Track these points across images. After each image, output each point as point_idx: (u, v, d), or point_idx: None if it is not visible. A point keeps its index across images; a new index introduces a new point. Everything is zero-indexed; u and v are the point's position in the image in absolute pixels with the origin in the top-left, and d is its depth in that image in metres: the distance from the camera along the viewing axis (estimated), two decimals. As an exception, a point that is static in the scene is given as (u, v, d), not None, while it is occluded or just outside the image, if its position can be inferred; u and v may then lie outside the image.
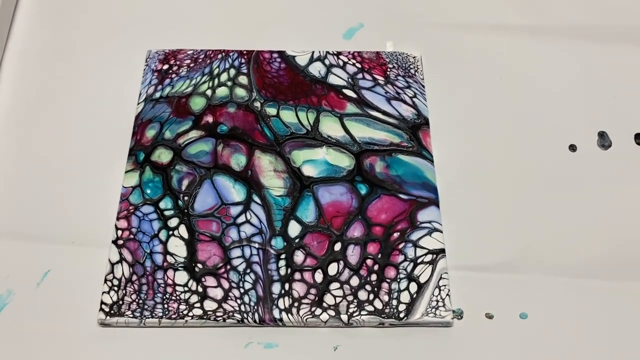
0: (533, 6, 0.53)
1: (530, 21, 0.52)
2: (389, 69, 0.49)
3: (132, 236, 0.41)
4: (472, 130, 0.47)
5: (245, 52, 0.50)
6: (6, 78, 0.49)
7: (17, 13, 0.52)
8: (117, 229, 0.41)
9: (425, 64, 0.50)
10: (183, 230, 0.41)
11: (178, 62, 0.49)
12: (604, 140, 0.47)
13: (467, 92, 0.49)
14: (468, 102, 0.48)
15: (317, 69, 0.49)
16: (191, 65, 0.49)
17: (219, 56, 0.50)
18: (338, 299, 0.39)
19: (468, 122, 0.47)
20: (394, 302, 0.39)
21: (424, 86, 0.48)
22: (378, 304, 0.39)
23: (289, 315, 0.38)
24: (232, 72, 0.49)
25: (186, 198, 0.43)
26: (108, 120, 0.47)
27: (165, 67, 0.49)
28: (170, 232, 0.41)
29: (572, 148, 0.46)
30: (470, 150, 0.46)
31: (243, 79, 0.48)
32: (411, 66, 0.49)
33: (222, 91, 0.48)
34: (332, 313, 0.38)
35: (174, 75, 0.48)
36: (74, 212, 0.43)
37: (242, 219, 0.42)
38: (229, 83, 0.48)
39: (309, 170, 0.44)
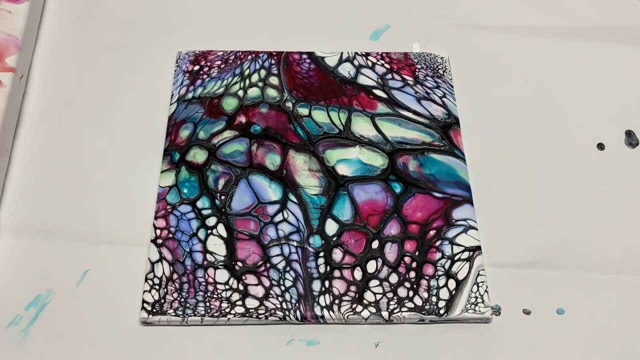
0: (560, 8, 0.54)
1: (557, 22, 0.53)
2: (417, 70, 0.50)
3: (170, 235, 0.41)
4: (502, 129, 0.48)
5: (274, 53, 0.50)
6: (37, 80, 0.49)
7: (45, 14, 0.53)
8: (155, 228, 0.41)
9: (453, 64, 0.50)
10: (222, 229, 0.42)
11: (209, 63, 0.49)
12: (631, 139, 0.47)
13: (495, 92, 0.49)
14: (496, 102, 0.49)
15: (346, 70, 0.49)
16: (222, 66, 0.49)
17: (249, 57, 0.50)
18: (378, 296, 0.39)
19: (497, 122, 0.48)
20: (434, 299, 0.39)
21: (452, 86, 0.49)
22: (418, 301, 0.39)
23: (330, 312, 0.39)
24: (263, 73, 0.49)
25: (223, 197, 0.43)
26: (141, 121, 0.47)
27: (196, 68, 0.49)
28: (209, 231, 0.41)
29: (600, 147, 0.47)
30: (501, 150, 0.47)
31: (274, 80, 0.49)
32: (439, 66, 0.50)
33: (253, 92, 0.48)
34: (373, 310, 0.39)
35: (205, 76, 0.49)
36: (110, 212, 0.43)
37: (279, 217, 0.42)
38: (260, 84, 0.48)
39: (343, 169, 0.44)
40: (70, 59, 0.50)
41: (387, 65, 0.50)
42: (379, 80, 0.49)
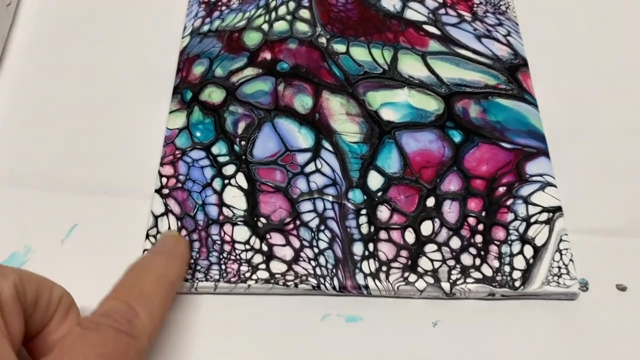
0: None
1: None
2: (475, 5, 0.42)
3: (179, 184, 0.34)
4: (578, 74, 0.39)
5: (305, -16, 0.43)
6: (28, 6, 0.42)
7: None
8: (161, 176, 0.34)
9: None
10: (241, 179, 0.34)
11: (228, -6, 0.42)
12: None
13: (567, 30, 0.41)
14: (570, 43, 0.41)
15: (391, 3, 0.42)
16: (244, -4, 0.42)
17: (276, -12, 0.42)
18: (437, 264, 0.31)
19: (572, 66, 0.40)
20: (507, 269, 0.31)
21: (517, 24, 0.41)
22: (487, 271, 0.31)
23: (377, 281, 0.31)
24: (292, 5, 0.41)
25: (243, 143, 0.35)
26: (147, 54, 0.39)
27: (214, -2, 0.42)
28: (226, 181, 0.34)
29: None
30: (577, 96, 0.38)
31: (305, 13, 0.41)
32: (501, 2, 0.42)
33: (280, 25, 0.40)
34: (431, 280, 0.31)
35: (223, 8, 0.41)
36: (107, 158, 0.35)
37: (311, 167, 0.34)
38: (289, 17, 0.41)
39: (388, 114, 0.36)
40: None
41: None
42: (430, 15, 0.41)
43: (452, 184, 0.34)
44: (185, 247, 0.30)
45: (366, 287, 0.31)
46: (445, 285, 0.31)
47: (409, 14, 0.41)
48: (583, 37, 0.41)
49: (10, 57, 0.40)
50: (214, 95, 0.37)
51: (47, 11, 0.42)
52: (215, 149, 0.35)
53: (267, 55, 0.39)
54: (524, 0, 0.42)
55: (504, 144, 0.35)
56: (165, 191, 0.33)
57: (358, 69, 0.38)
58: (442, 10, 0.41)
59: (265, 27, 0.40)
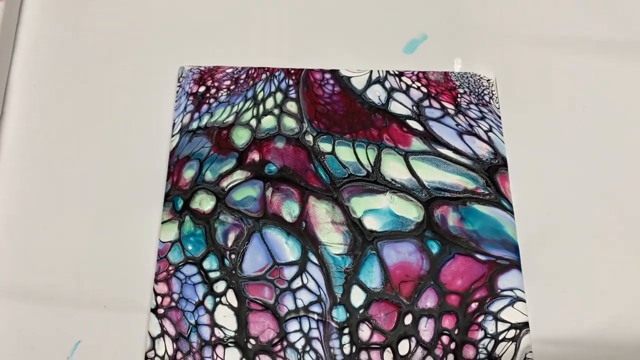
0: (623, 18, 0.46)
1: (626, 37, 0.45)
2: (459, 95, 0.43)
3: (173, 304, 0.36)
4: (558, 172, 0.41)
5: (292, 70, 0.43)
6: (13, 106, 0.42)
7: (22, 21, 0.45)
8: (156, 294, 0.36)
9: (500, 87, 0.43)
10: (231, 297, 0.36)
11: (216, 84, 0.42)
12: None
13: (550, 123, 0.42)
14: (552, 137, 0.42)
15: (376, 94, 0.42)
16: (231, 87, 0.42)
17: (263, 76, 0.43)
18: (411, 385, 0.34)
19: (553, 162, 0.41)
20: (474, 389, 0.34)
21: (500, 117, 0.42)
22: (456, 391, 0.34)
23: (356, 403, 0.34)
24: (279, 97, 0.42)
25: (233, 256, 0.37)
26: (137, 157, 0.40)
27: (202, 89, 0.42)
28: (218, 299, 0.36)
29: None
30: (556, 198, 0.40)
31: (292, 106, 0.42)
32: (485, 91, 0.43)
33: (268, 121, 0.41)
34: (405, 402, 0.34)
35: (212, 100, 0.42)
36: (104, 271, 0.37)
37: (297, 283, 0.37)
38: (276, 111, 0.42)
39: (371, 223, 0.38)
40: (52, 77, 0.43)
41: (424, 89, 0.43)
42: (414, 107, 0.42)
43: (428, 300, 0.36)
44: None
45: (347, 408, 0.34)
46: (418, 407, 0.34)
47: (394, 107, 0.42)
48: (566, 133, 0.42)
49: (0, 163, 0.41)
50: (204, 202, 0.39)
51: (34, 108, 0.42)
52: (206, 264, 0.37)
53: (256, 157, 0.40)
54: (507, 88, 0.43)
55: (478, 256, 0.37)
56: (161, 311, 0.36)
57: (343, 171, 0.40)
58: (426, 102, 0.42)
59: (254, 122, 0.41)
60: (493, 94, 0.43)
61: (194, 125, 0.41)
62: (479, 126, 0.42)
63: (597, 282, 0.38)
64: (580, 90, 0.43)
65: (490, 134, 0.41)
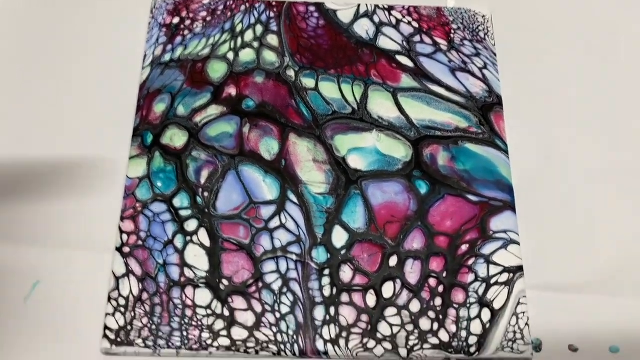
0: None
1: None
2: (452, 31, 0.40)
3: (140, 242, 0.33)
4: (555, 111, 0.38)
5: (274, 2, 0.40)
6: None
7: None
8: (121, 232, 0.33)
9: (496, 24, 0.40)
10: (203, 236, 0.34)
11: (191, 15, 0.39)
12: None
13: (548, 60, 0.40)
14: (549, 75, 0.39)
15: (364, 28, 0.40)
16: (208, 19, 0.39)
17: (242, 7, 0.40)
18: (395, 329, 0.32)
19: (550, 102, 0.39)
20: (463, 334, 0.32)
21: (495, 54, 0.39)
22: (444, 336, 0.32)
23: (336, 347, 0.31)
24: (259, 29, 0.39)
25: (206, 194, 0.35)
26: (105, 90, 0.38)
27: (176, 20, 0.39)
28: (188, 238, 0.33)
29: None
30: (552, 138, 0.38)
31: (273, 39, 0.39)
32: (480, 27, 0.40)
33: (247, 54, 0.38)
34: (389, 346, 0.32)
35: (186, 32, 0.39)
36: (67, 208, 0.35)
37: (275, 222, 0.34)
38: (256, 44, 0.39)
39: (356, 162, 0.36)
40: (21, 5, 0.40)
41: (415, 24, 0.40)
42: (405, 43, 0.39)
43: (415, 241, 0.34)
44: None
45: (326, 353, 0.31)
46: (403, 352, 0.31)
47: (382, 42, 0.39)
48: (566, 68, 0.40)
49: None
50: (176, 138, 0.36)
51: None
52: (177, 201, 0.34)
53: (232, 91, 0.37)
54: (503, 25, 0.40)
55: (470, 197, 0.35)
56: (126, 249, 0.33)
57: (327, 107, 0.37)
58: (418, 37, 0.39)
59: (231, 55, 0.38)
60: (488, 30, 0.40)
61: (167, 57, 0.38)
62: (473, 63, 0.39)
63: (595, 225, 0.35)
64: (580, 26, 0.41)
65: (485, 71, 0.39)
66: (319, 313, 0.32)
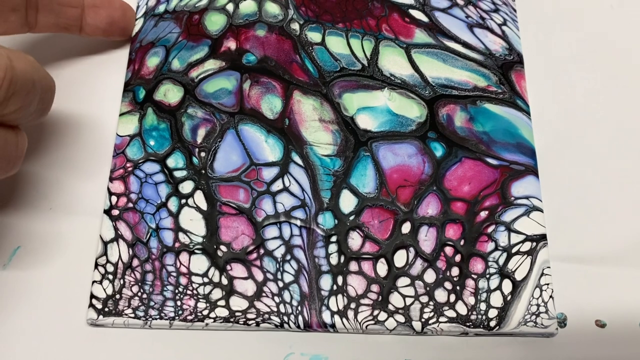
0: None
1: None
2: (470, -15, 0.37)
3: (131, 204, 0.30)
4: (581, 69, 0.35)
5: (277, -48, 0.37)
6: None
7: None
8: (110, 193, 0.31)
9: (517, -21, 0.38)
10: (200, 199, 0.31)
11: (188, -36, 0.36)
12: None
13: (573, 18, 0.37)
14: (574, 33, 0.37)
15: (375, -19, 0.37)
16: (206, -32, 0.36)
17: (243, -43, 0.37)
18: (408, 300, 0.29)
19: (575, 59, 0.36)
20: (483, 307, 0.29)
21: (515, 10, 0.36)
22: (461, 309, 0.29)
23: (344, 319, 0.29)
24: (261, -20, 0.36)
25: (203, 154, 0.32)
26: (93, 42, 0.35)
27: (171, -31, 0.36)
28: (183, 201, 0.31)
29: None
30: (578, 98, 0.35)
31: (276, -9, 0.36)
32: (499, -18, 0.37)
33: (247, 6, 0.35)
34: (401, 319, 0.29)
35: (182, -18, 0.36)
36: (50, 168, 0.32)
37: (278, 185, 0.31)
38: (257, -5, 0.36)
39: (365, 122, 0.33)
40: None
41: (430, -23, 0.37)
42: (418, -3, 0.36)
43: (430, 207, 0.31)
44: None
45: (333, 325, 0.29)
46: (417, 325, 0.29)
47: (395, -5, 0.36)
48: (590, 29, 0.37)
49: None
50: (170, 94, 0.33)
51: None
52: (171, 162, 0.31)
53: (232, 45, 0.34)
54: (525, -21, 0.38)
55: (489, 160, 0.32)
56: (115, 212, 0.30)
57: (334, 63, 0.34)
58: (432, -9, 0.37)
59: (230, 7, 0.35)
60: (509, -15, 0.37)
61: (161, 8, 0.35)
62: (491, 19, 0.36)
63: (624, 191, 0.33)
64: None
65: (504, 27, 0.36)
66: (326, 282, 0.29)
